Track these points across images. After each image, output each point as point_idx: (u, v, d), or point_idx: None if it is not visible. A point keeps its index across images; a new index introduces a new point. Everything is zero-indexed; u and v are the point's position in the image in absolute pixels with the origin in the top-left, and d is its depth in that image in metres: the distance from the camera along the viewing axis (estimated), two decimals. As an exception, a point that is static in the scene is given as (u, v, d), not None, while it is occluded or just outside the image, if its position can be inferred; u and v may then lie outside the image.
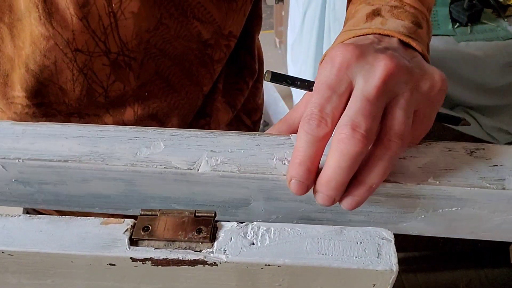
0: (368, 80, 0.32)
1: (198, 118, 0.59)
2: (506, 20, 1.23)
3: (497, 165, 0.35)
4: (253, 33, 0.63)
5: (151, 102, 0.53)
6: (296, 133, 0.36)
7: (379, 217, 0.37)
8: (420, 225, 0.37)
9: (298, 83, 0.37)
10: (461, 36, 1.21)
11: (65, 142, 0.37)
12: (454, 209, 0.35)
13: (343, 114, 0.32)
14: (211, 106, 0.59)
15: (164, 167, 0.35)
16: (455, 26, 1.23)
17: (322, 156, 0.32)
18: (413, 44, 0.37)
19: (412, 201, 0.35)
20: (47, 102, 0.50)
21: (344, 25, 0.45)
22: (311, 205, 0.37)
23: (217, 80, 0.59)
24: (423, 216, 0.36)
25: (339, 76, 0.32)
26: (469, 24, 1.22)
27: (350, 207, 0.33)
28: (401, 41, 0.38)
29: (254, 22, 0.62)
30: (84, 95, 0.50)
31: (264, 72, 0.36)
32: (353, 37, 0.39)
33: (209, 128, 0.60)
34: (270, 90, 1.74)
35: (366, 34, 0.39)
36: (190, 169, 0.34)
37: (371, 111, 0.31)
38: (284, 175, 0.34)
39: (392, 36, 0.38)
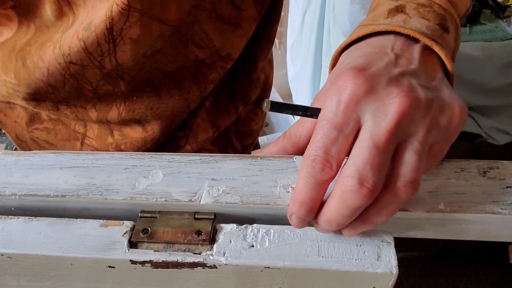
0: (378, 122, 0.29)
1: (178, 130, 0.58)
2: (505, 21, 1.23)
3: (510, 187, 0.34)
4: (256, 57, 0.60)
5: (137, 107, 0.53)
6: (300, 154, 0.35)
7: (385, 228, 0.35)
8: (428, 234, 0.36)
9: (300, 113, 0.33)
10: (460, 36, 1.21)
11: (60, 174, 0.36)
12: (463, 225, 0.34)
13: (349, 160, 0.29)
14: (193, 120, 0.58)
15: (165, 200, 0.33)
16: (454, 27, 1.24)
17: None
18: (436, 48, 0.34)
19: (421, 222, 0.34)
20: (37, 92, 0.51)
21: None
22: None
23: (206, 97, 0.58)
24: (431, 230, 0.35)
25: (346, 114, 0.29)
26: (467, 24, 1.22)
27: (349, 235, 0.31)
28: (423, 47, 0.34)
29: (261, 46, 0.60)
30: (73, 90, 0.51)
31: (264, 102, 0.32)
32: (371, 32, 0.36)
33: (187, 141, 0.59)
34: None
35: (386, 32, 0.35)
36: (192, 201, 0.33)
37: (380, 161, 0.28)
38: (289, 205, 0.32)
39: (412, 38, 0.34)
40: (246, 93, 0.62)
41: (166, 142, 0.58)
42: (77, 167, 0.37)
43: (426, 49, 0.35)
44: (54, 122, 0.57)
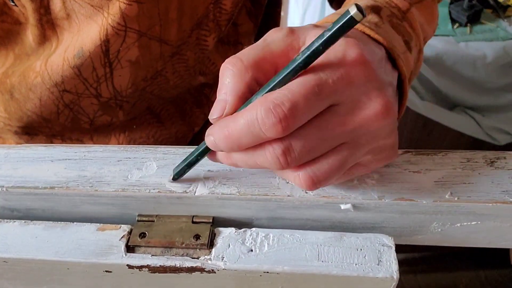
0: (346, 112, 0.27)
1: None
2: (505, 20, 1.23)
3: None
4: None
5: (138, 136, 0.51)
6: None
7: (391, 231, 0.34)
8: (435, 237, 0.35)
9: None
10: (461, 36, 1.20)
11: (50, 166, 0.35)
12: (473, 223, 0.33)
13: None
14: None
15: (158, 191, 0.32)
16: (455, 27, 1.23)
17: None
18: (399, 63, 0.32)
19: (428, 216, 0.33)
20: (30, 126, 0.48)
21: None
22: (319, 222, 0.34)
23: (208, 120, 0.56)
24: (439, 230, 0.34)
25: (336, 84, 0.26)
26: (468, 24, 1.22)
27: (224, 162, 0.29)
28: (387, 57, 0.32)
29: None
30: (69, 122, 0.48)
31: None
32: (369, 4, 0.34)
33: None
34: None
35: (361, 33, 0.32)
36: (186, 192, 0.32)
37: (315, 146, 0.26)
38: (288, 196, 0.31)
39: (377, 43, 0.32)
40: None
41: None
42: (69, 159, 0.36)
43: (389, 61, 0.32)
44: None
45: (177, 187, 0.32)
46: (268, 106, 0.25)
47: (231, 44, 0.50)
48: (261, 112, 0.25)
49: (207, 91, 0.52)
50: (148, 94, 0.47)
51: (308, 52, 0.25)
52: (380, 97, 0.27)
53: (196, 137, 0.55)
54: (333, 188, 0.32)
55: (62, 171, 0.35)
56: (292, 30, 0.29)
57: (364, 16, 0.24)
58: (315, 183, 0.27)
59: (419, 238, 0.35)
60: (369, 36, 0.32)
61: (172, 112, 0.51)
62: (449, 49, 1.18)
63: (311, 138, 0.26)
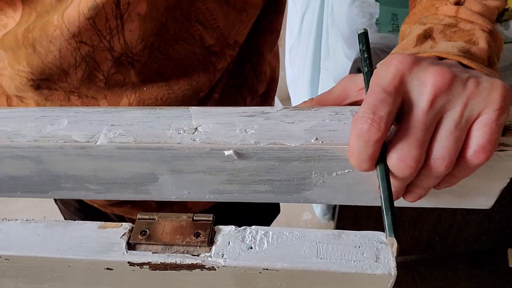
0: (418, 102, 0.32)
1: None
2: (503, 24, 1.23)
3: None
4: (262, 48, 0.61)
5: (147, 97, 0.54)
6: None
7: (281, 186, 0.38)
8: (323, 192, 0.39)
9: (366, 64, 0.38)
10: (458, 39, 1.22)
11: None
12: (347, 171, 0.37)
13: (394, 138, 0.32)
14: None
15: (64, 142, 0.36)
16: (452, 30, 1.24)
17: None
18: (465, 62, 0.36)
19: (304, 164, 0.36)
20: (50, 79, 0.52)
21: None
22: (215, 176, 0.38)
23: (214, 89, 0.59)
24: (321, 182, 0.38)
25: (394, 82, 0.32)
26: (466, 27, 1.23)
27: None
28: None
29: (266, 36, 0.61)
30: (85, 78, 0.52)
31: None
32: None
33: None
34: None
35: None
36: (89, 142, 0.36)
37: (420, 137, 0.32)
38: (178, 143, 0.36)
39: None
40: (253, 84, 0.63)
41: None
42: None
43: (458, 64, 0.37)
44: None
45: (81, 138, 0.37)
46: (357, 122, 0.32)
47: (236, 8, 0.52)
48: (356, 128, 0.32)
49: (213, 59, 0.55)
50: (156, 51, 0.50)
51: (365, 69, 0.37)
52: (428, 69, 0.32)
53: (202, 103, 0.58)
54: (217, 136, 0.36)
55: None
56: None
57: (365, 30, 0.39)
58: (450, 161, 0.32)
59: (308, 194, 0.39)
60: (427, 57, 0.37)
61: (180, 76, 0.54)
62: (447, 52, 1.19)
63: (411, 133, 0.32)
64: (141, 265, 0.31)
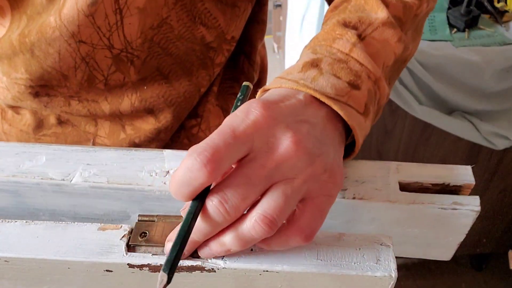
0: (263, 155, 0.30)
1: (189, 118, 0.60)
2: (503, 26, 1.23)
3: None
4: (253, 38, 0.63)
5: (149, 96, 0.54)
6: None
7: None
8: None
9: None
10: (459, 41, 1.21)
11: None
12: None
13: (223, 181, 0.30)
14: (203, 107, 0.60)
15: (41, 178, 0.38)
16: (453, 32, 1.23)
17: None
18: (336, 107, 0.34)
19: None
20: (49, 85, 0.52)
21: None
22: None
23: (213, 82, 0.59)
24: None
25: (246, 132, 0.30)
26: (466, 29, 1.22)
27: (205, 256, 0.31)
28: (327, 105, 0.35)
29: (255, 27, 0.62)
30: (85, 80, 0.51)
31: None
32: (279, 87, 0.36)
33: (199, 128, 0.61)
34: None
35: (291, 89, 0.36)
36: (64, 180, 0.37)
37: (246, 190, 0.29)
38: (149, 185, 0.37)
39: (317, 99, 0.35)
40: (248, 74, 0.64)
41: (179, 131, 0.59)
42: None
43: (316, 101, 0.35)
44: (63, 125, 0.58)
45: (57, 175, 0.38)
46: (193, 155, 0.28)
47: (228, 5, 0.53)
48: (189, 161, 0.28)
49: (212, 54, 0.55)
50: (155, 46, 0.50)
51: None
52: (286, 134, 0.31)
53: (203, 99, 0.59)
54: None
55: None
56: None
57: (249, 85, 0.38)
58: (271, 220, 0.29)
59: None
60: (295, 89, 0.36)
61: (180, 73, 0.54)
62: (447, 54, 1.19)
63: (241, 184, 0.29)
64: (141, 267, 0.31)
